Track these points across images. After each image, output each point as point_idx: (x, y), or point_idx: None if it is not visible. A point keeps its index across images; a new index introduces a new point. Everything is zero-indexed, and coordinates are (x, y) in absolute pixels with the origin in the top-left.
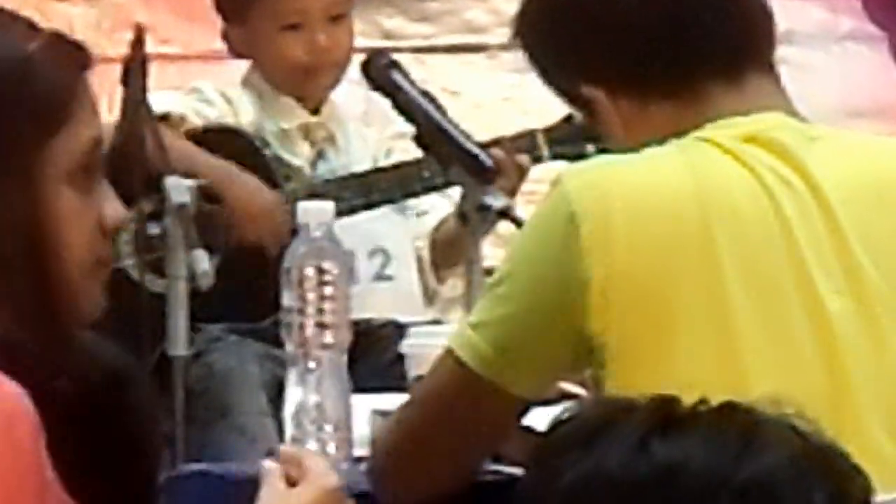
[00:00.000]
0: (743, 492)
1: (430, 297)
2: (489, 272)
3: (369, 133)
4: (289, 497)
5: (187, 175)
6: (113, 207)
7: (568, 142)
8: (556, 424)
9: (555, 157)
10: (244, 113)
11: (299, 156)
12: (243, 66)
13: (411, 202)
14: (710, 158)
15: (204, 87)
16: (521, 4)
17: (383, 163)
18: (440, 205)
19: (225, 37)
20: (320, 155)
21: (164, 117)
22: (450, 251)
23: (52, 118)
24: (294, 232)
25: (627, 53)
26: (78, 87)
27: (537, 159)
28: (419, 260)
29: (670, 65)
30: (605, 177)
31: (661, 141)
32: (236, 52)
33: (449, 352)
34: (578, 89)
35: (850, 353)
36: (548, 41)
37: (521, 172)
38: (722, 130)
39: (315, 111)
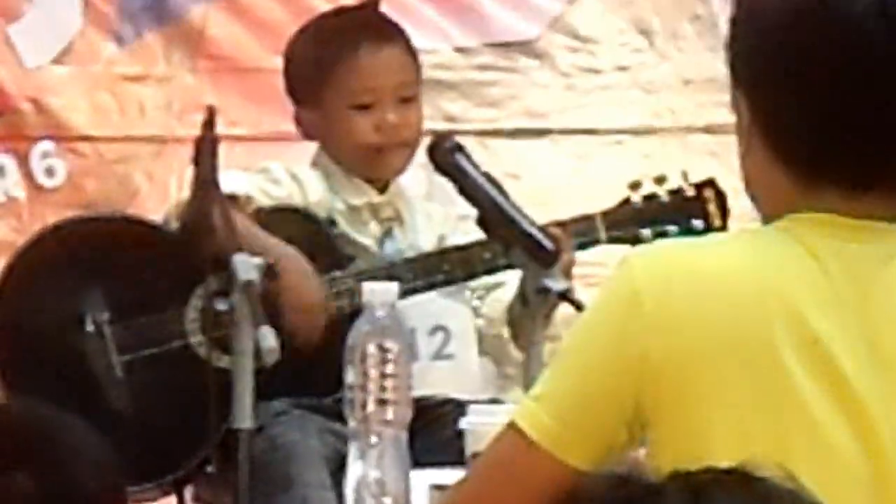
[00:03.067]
0: None
1: (517, 367)
2: None
3: (434, 210)
4: None
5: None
6: None
7: (625, 225)
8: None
9: (611, 240)
10: (312, 191)
11: (367, 234)
12: (310, 147)
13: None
14: (782, 249)
15: (272, 167)
16: None
17: (450, 239)
18: (512, 277)
19: (297, 120)
20: (388, 234)
21: (232, 197)
22: (520, 330)
23: None
24: (354, 316)
25: (780, 108)
26: None
27: (595, 242)
28: (498, 338)
29: (800, 147)
30: (669, 260)
31: (769, 200)
32: (307, 135)
33: (510, 424)
34: (737, 87)
35: (890, 445)
36: (744, 31)
37: (570, 263)
38: (809, 226)
39: (382, 191)
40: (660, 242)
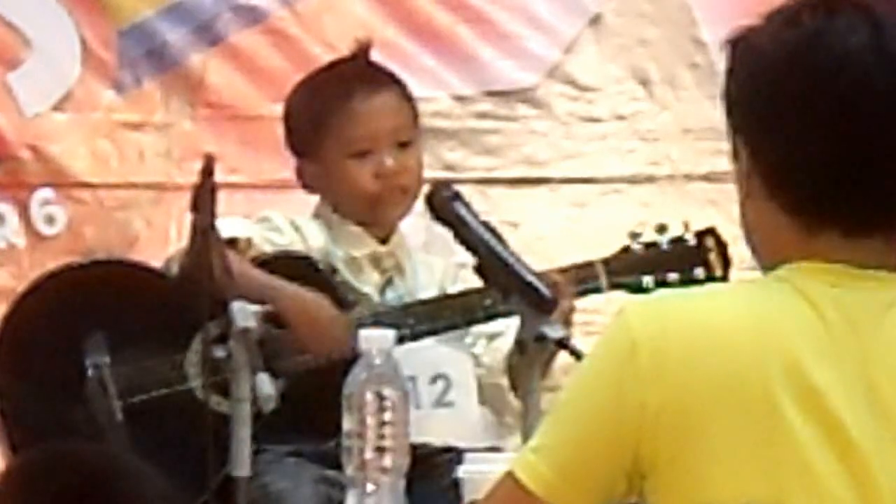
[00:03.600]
0: None
1: (517, 417)
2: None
3: (434, 262)
4: None
5: (251, 297)
6: None
7: (626, 273)
8: None
9: (613, 286)
10: (313, 240)
11: (367, 283)
12: (310, 195)
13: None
14: (780, 298)
15: (273, 215)
16: (752, 26)
17: (450, 290)
18: (511, 326)
19: (298, 173)
20: (388, 283)
21: (232, 241)
22: (518, 377)
23: None
24: (352, 362)
25: (779, 151)
26: None
27: (596, 289)
28: (497, 388)
29: (799, 189)
30: (666, 311)
31: (770, 247)
32: (309, 188)
33: (508, 474)
34: (735, 133)
35: (887, 494)
36: (740, 75)
37: (570, 310)
38: (808, 275)
39: (383, 241)
40: (657, 293)
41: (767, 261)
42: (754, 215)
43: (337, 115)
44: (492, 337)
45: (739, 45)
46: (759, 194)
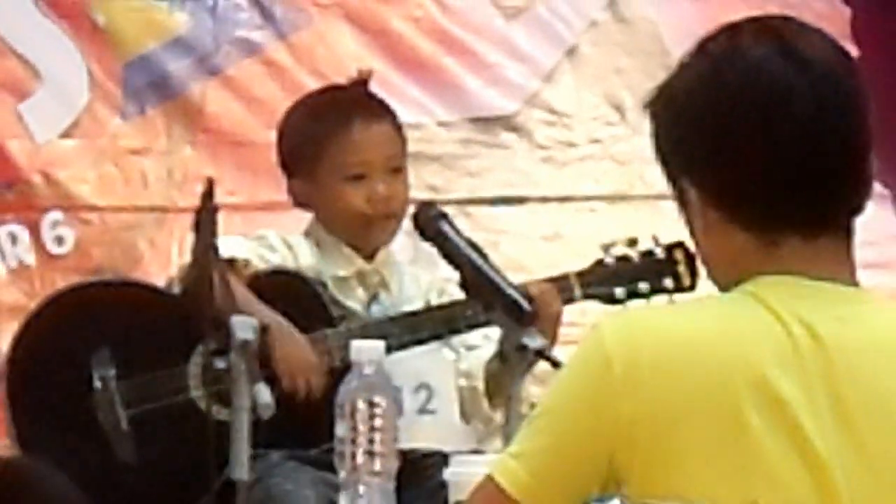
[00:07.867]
0: None
1: (485, 422)
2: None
3: (421, 274)
4: None
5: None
6: None
7: (599, 284)
8: None
9: (586, 297)
10: (304, 258)
11: (354, 299)
12: (302, 215)
13: (460, 338)
14: (748, 313)
15: (268, 234)
16: (665, 80)
17: (435, 301)
18: (490, 339)
19: (290, 190)
20: (374, 299)
21: (230, 261)
22: (498, 385)
23: None
24: (343, 372)
25: (724, 173)
26: None
27: (570, 300)
28: (473, 390)
29: (755, 203)
30: (638, 325)
31: (732, 271)
32: (300, 204)
33: (489, 478)
34: (678, 179)
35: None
36: (667, 124)
37: (558, 315)
38: (773, 289)
39: (370, 257)
40: (630, 309)
41: (731, 284)
42: (715, 245)
43: (335, 141)
44: (472, 348)
45: (656, 100)
46: (715, 224)
